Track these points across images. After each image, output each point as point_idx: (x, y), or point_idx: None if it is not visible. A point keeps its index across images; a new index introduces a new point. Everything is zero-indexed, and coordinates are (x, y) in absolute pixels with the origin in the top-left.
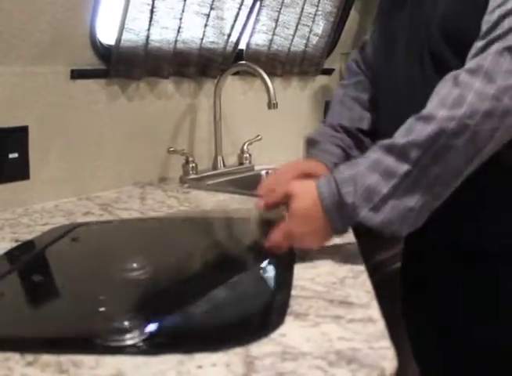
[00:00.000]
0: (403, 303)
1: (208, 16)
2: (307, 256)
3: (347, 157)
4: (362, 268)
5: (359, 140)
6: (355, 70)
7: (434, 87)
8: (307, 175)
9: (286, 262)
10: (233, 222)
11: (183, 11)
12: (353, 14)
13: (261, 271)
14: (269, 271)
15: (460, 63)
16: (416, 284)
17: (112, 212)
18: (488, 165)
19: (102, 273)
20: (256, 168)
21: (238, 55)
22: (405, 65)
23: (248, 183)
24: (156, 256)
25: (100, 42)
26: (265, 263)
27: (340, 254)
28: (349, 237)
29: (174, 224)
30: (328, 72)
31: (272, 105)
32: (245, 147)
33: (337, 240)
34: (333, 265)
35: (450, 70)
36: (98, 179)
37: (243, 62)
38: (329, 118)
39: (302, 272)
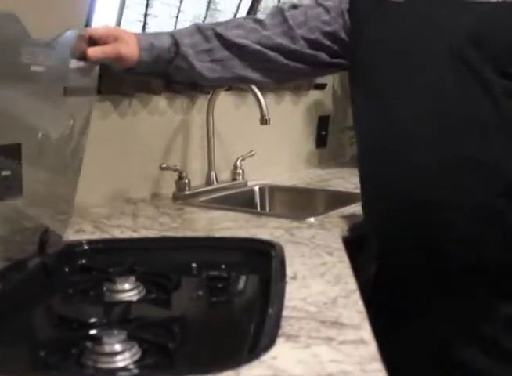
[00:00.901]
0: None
1: None
2: (299, 275)
3: (174, 49)
4: (354, 287)
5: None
6: (281, 19)
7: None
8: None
9: (277, 281)
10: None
11: (175, 27)
12: None
13: (253, 291)
14: (261, 291)
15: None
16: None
17: (104, 229)
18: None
19: (95, 294)
20: (249, 183)
21: None
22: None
23: (241, 199)
24: (148, 277)
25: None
26: (256, 283)
27: (332, 273)
28: (341, 255)
29: (167, 244)
30: (321, 87)
31: (264, 121)
32: (238, 163)
33: (328, 259)
34: (325, 285)
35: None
36: (90, 196)
37: None
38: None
39: (294, 292)
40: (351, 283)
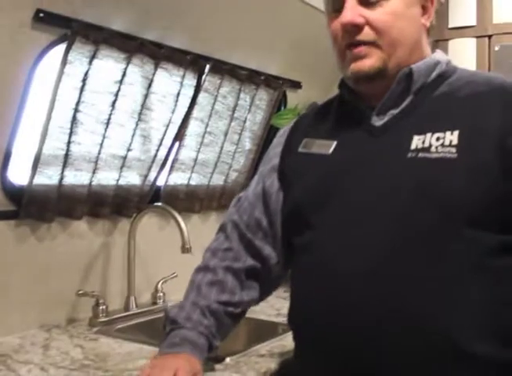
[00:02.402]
0: None
1: (125, 158)
2: None
3: (210, 347)
4: None
5: (223, 324)
6: (229, 235)
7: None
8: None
9: None
10: None
11: (99, 153)
12: None
13: None
14: None
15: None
16: None
17: (10, 367)
18: None
19: None
20: (170, 307)
21: (156, 192)
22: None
23: (161, 325)
24: None
25: (11, 183)
26: None
27: None
28: None
29: None
30: None
31: (185, 249)
32: (159, 286)
33: None
34: None
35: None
36: (2, 323)
37: (159, 204)
38: (196, 295)
39: None
40: None
